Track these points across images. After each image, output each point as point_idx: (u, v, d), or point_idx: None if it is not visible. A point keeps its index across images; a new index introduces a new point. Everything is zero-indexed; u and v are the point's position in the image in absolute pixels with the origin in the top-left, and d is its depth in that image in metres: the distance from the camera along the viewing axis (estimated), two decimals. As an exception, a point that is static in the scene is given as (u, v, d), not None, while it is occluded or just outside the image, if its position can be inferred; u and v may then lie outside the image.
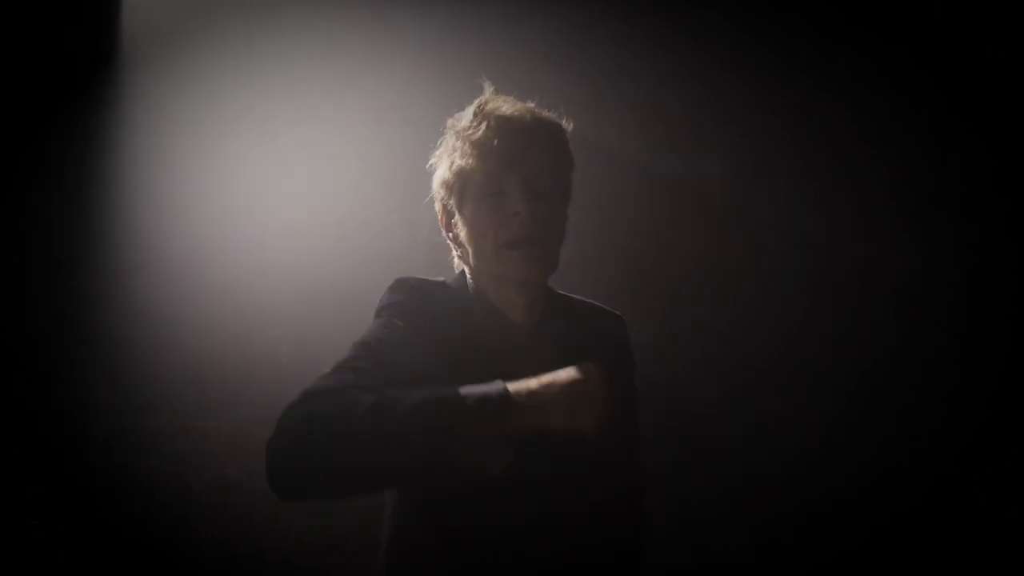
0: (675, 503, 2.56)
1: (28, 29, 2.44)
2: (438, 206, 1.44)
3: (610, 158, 2.67)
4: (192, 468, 2.53)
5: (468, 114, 1.39)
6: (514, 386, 1.16)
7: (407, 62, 2.59)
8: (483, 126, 1.35)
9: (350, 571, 2.41)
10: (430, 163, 1.44)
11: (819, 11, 2.69)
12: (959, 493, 2.50)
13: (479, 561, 1.32)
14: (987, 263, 2.60)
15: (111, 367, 2.50)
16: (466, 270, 1.44)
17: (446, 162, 1.40)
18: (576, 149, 1.45)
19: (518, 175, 1.35)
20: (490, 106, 1.38)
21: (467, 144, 1.36)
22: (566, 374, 1.18)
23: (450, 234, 1.44)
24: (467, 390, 1.15)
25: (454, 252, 1.46)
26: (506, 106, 1.38)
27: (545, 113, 1.41)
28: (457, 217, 1.40)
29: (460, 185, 1.38)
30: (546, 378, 1.17)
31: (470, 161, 1.36)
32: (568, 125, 1.43)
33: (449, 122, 1.42)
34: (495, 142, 1.34)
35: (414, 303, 1.37)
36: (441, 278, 1.45)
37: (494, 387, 1.16)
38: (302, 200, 2.59)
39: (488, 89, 1.42)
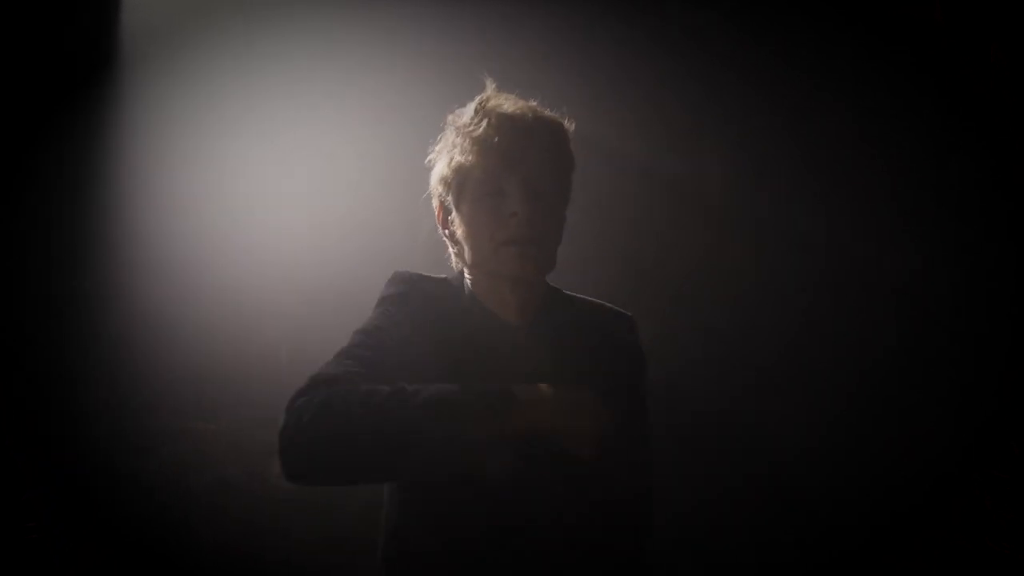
0: (675, 503, 2.56)
1: (28, 29, 2.44)
2: (435, 202, 1.43)
3: (610, 158, 2.67)
4: (192, 469, 2.52)
5: (469, 110, 1.37)
6: (518, 388, 1.20)
7: (407, 62, 2.59)
8: (484, 123, 1.34)
9: (350, 571, 2.40)
10: (429, 158, 1.43)
11: (819, 11, 2.69)
12: (959, 493, 2.50)
13: (477, 561, 1.32)
14: (987, 263, 2.60)
15: (110, 368, 2.50)
16: (464, 268, 1.44)
17: (445, 158, 1.39)
18: (576, 149, 1.44)
19: (518, 174, 1.34)
20: (492, 103, 1.36)
21: (467, 140, 1.35)
22: (566, 391, 1.22)
23: (446, 231, 1.43)
24: (468, 389, 1.18)
25: (450, 249, 1.45)
26: (508, 104, 1.37)
27: (547, 112, 1.40)
28: (454, 214, 1.40)
29: (458, 182, 1.37)
30: (547, 386, 1.22)
31: (470, 158, 1.35)
32: (570, 125, 1.43)
33: (450, 118, 1.40)
34: (496, 140, 1.33)
35: (411, 295, 1.39)
36: (444, 275, 1.45)
37: (496, 387, 1.19)
38: (302, 200, 2.59)
39: (490, 86, 1.40)
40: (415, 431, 1.16)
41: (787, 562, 2.62)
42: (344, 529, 2.44)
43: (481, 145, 1.34)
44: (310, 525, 2.49)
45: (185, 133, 2.54)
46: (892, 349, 2.67)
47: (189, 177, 2.54)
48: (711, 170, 2.78)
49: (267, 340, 2.56)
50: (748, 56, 2.73)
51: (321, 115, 2.60)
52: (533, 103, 1.40)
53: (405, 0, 2.63)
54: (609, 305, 1.51)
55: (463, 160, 1.35)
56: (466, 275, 1.44)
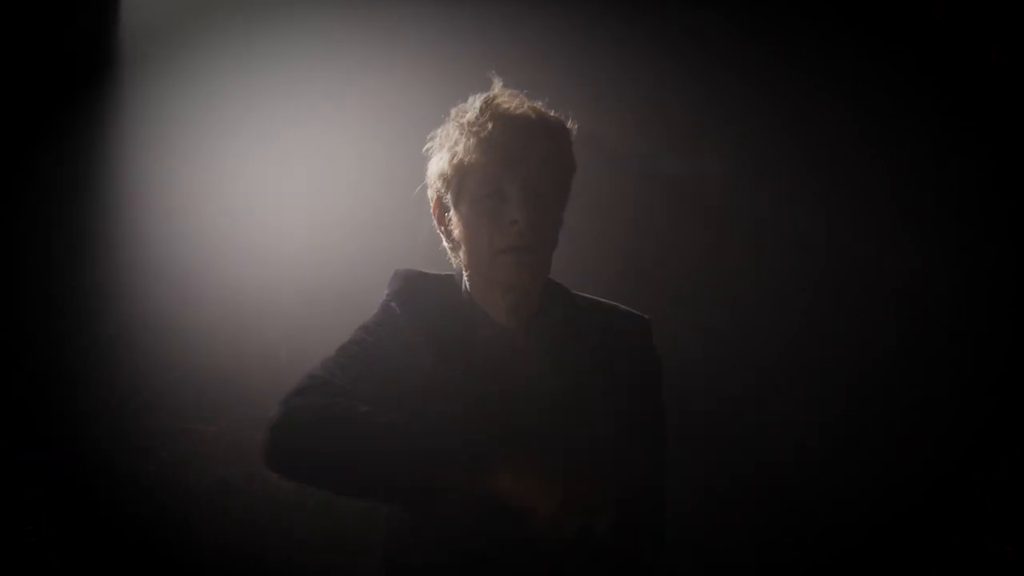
0: (675, 503, 2.55)
1: (27, 29, 2.44)
2: (431, 194, 1.42)
3: (610, 158, 2.67)
4: (192, 470, 2.52)
5: (475, 107, 1.35)
6: (498, 455, 1.22)
7: (407, 62, 2.59)
8: (490, 124, 1.32)
9: (351, 572, 2.41)
10: (426, 147, 1.41)
11: (819, 11, 2.69)
12: (959, 493, 2.50)
13: (478, 562, 1.32)
14: (987, 263, 2.60)
15: (110, 368, 2.50)
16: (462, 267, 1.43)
17: (446, 154, 1.36)
18: (576, 149, 1.44)
19: (519, 177, 1.32)
20: (499, 103, 1.35)
21: (472, 140, 1.33)
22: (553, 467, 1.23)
23: (442, 228, 1.42)
24: (450, 437, 1.23)
25: (445, 244, 1.43)
26: (515, 104, 1.35)
27: (551, 114, 1.39)
28: (452, 213, 1.38)
29: (458, 180, 1.36)
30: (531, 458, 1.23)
31: (472, 157, 1.33)
32: (573, 126, 1.42)
33: (453, 112, 1.39)
34: (499, 140, 1.32)
35: (414, 294, 1.41)
36: (448, 272, 1.45)
37: (474, 448, 1.22)
38: (302, 200, 2.59)
39: (497, 84, 1.39)
40: (398, 464, 1.22)
41: (787, 562, 2.62)
42: (344, 529, 2.44)
43: (485, 146, 1.32)
44: (311, 525, 2.49)
45: (185, 133, 2.54)
46: (892, 349, 2.67)
47: (189, 177, 2.53)
48: (711, 170, 2.78)
49: (267, 340, 2.56)
50: (748, 56, 2.73)
51: (321, 115, 2.60)
52: (539, 104, 1.38)
53: (405, 0, 2.63)
54: (624, 307, 1.49)
55: (465, 158, 1.33)
56: (464, 274, 1.43)
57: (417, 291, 1.41)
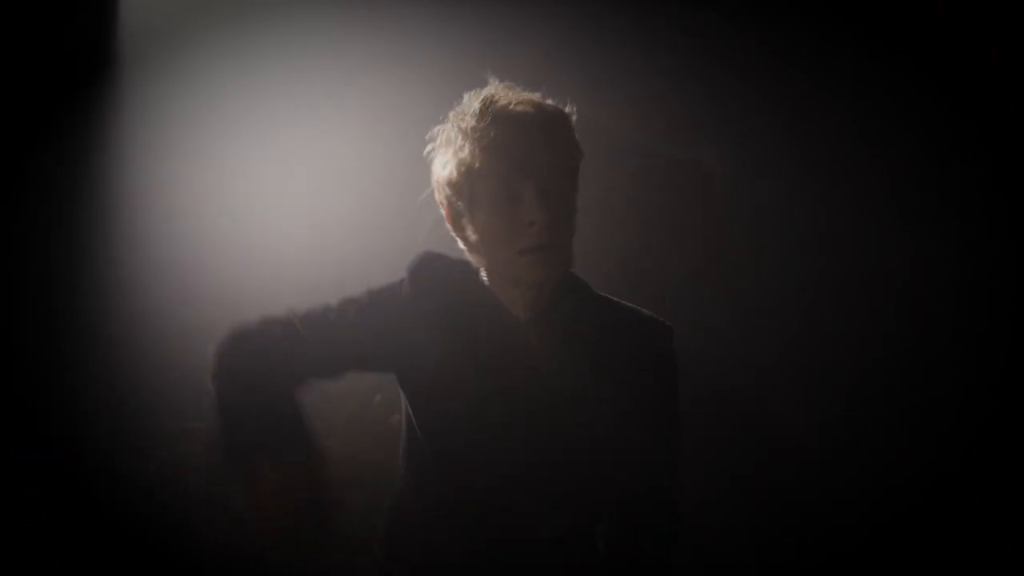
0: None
1: (27, 29, 2.44)
2: (441, 199, 1.39)
3: (609, 158, 2.67)
4: (192, 470, 2.52)
5: (474, 110, 1.33)
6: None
7: (407, 62, 2.59)
8: (492, 128, 1.30)
9: (351, 571, 2.40)
10: (427, 150, 1.40)
11: (819, 11, 2.69)
12: (959, 493, 2.50)
13: (471, 562, 1.34)
14: (988, 262, 2.60)
15: (109, 368, 2.50)
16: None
17: (451, 160, 1.34)
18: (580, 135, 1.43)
19: (530, 178, 1.30)
20: (496, 102, 1.33)
21: (476, 147, 1.31)
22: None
23: (458, 232, 1.40)
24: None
25: (461, 245, 1.42)
26: (514, 101, 1.33)
27: (550, 104, 1.37)
28: (467, 220, 1.36)
29: (468, 187, 1.33)
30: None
31: (478, 164, 1.31)
32: (572, 111, 1.39)
33: (451, 114, 1.37)
34: (505, 145, 1.30)
35: (428, 271, 1.42)
36: (464, 259, 1.43)
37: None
38: (302, 200, 2.59)
39: (493, 83, 1.37)
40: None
41: (787, 562, 2.62)
42: (344, 529, 2.43)
43: (491, 152, 1.30)
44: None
45: (185, 133, 2.54)
46: (892, 349, 2.67)
47: (189, 177, 2.53)
48: (711, 170, 2.78)
49: (267, 340, 2.55)
50: (748, 56, 2.73)
51: (321, 115, 2.60)
52: (537, 96, 1.36)
53: (405, 0, 2.63)
54: (646, 312, 1.48)
55: (472, 165, 1.31)
56: (481, 269, 1.42)
57: (435, 271, 1.41)
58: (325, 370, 1.41)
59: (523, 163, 1.30)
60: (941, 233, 2.66)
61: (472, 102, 1.35)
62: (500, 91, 1.36)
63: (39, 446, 2.41)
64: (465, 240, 1.39)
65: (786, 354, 2.70)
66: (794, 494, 2.63)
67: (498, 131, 1.30)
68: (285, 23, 2.60)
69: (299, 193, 2.59)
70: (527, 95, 1.36)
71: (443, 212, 1.41)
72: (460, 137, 1.34)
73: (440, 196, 1.40)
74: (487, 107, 1.33)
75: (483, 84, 1.39)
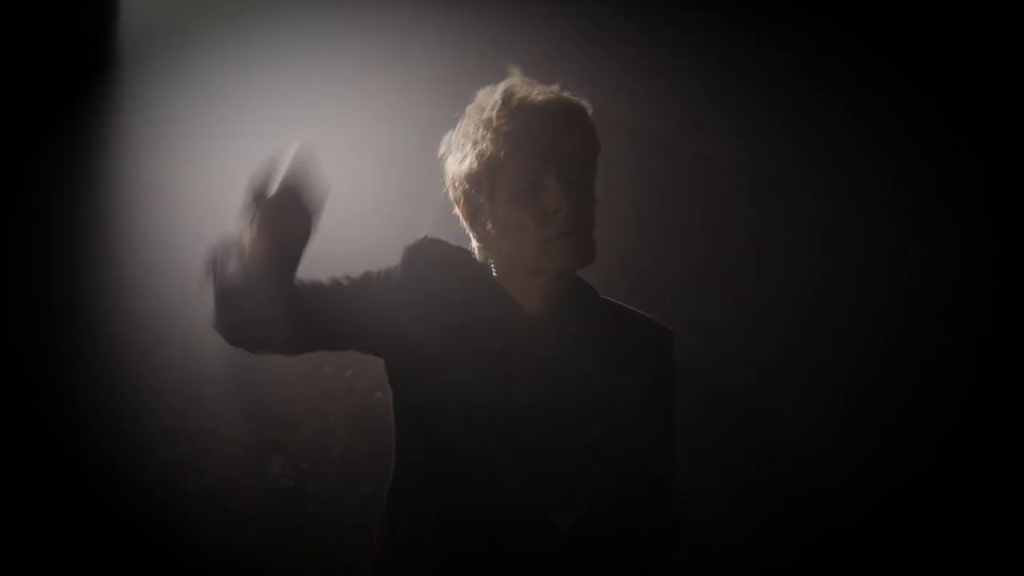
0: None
1: (27, 29, 2.44)
2: (456, 195, 1.37)
3: (609, 158, 2.67)
4: (192, 470, 2.52)
5: (494, 101, 1.31)
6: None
7: (407, 62, 2.59)
8: (515, 115, 1.28)
9: (350, 571, 2.40)
10: (442, 150, 1.37)
11: (819, 11, 2.69)
12: (960, 493, 2.50)
13: (470, 555, 1.34)
14: (988, 262, 2.61)
15: (109, 369, 2.50)
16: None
17: (471, 153, 1.32)
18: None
19: (555, 167, 1.28)
20: (520, 94, 1.30)
21: (499, 137, 1.29)
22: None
23: (475, 228, 1.37)
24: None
25: (475, 242, 1.39)
26: (534, 92, 1.31)
27: (571, 96, 1.35)
28: (487, 214, 1.33)
29: (490, 178, 1.31)
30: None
31: (502, 154, 1.29)
32: (588, 105, 1.37)
33: (469, 108, 1.35)
34: (529, 132, 1.28)
35: (425, 257, 1.41)
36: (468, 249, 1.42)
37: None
38: (302, 200, 2.58)
39: (515, 74, 1.34)
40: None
41: (787, 562, 2.62)
42: (344, 529, 2.44)
43: (514, 140, 1.28)
44: (311, 525, 2.49)
45: (185, 133, 2.54)
46: (892, 349, 2.67)
47: (189, 177, 2.53)
48: (711, 170, 2.78)
49: (267, 340, 2.55)
50: (748, 56, 2.73)
51: (321, 115, 2.60)
52: (556, 87, 1.34)
53: (405, 0, 2.63)
54: (649, 316, 1.47)
55: (496, 154, 1.29)
56: (490, 262, 1.39)
57: (430, 256, 1.39)
58: (314, 333, 1.44)
59: (546, 151, 1.29)
60: (941, 233, 2.66)
61: (490, 96, 1.33)
62: (520, 82, 1.34)
63: (39, 446, 2.41)
64: (482, 234, 1.37)
65: (786, 354, 2.70)
66: (794, 494, 2.63)
67: (521, 120, 1.29)
68: (285, 23, 2.60)
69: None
70: (549, 88, 1.34)
71: (458, 210, 1.39)
72: (481, 128, 1.32)
73: (456, 192, 1.37)
74: (510, 96, 1.31)
75: (483, 84, 1.38)
